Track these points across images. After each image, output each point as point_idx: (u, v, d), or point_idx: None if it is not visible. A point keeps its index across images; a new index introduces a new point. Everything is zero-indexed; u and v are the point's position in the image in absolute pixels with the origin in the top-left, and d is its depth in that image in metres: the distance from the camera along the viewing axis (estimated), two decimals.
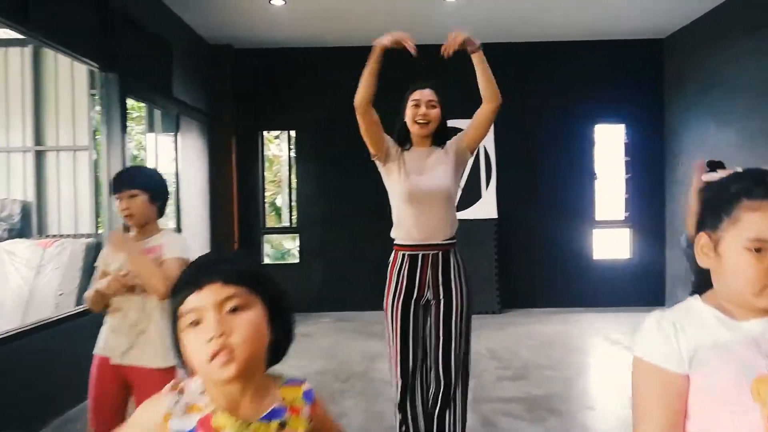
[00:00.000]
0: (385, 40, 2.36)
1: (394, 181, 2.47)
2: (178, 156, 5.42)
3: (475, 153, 2.62)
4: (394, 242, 2.50)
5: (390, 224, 2.53)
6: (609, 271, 6.53)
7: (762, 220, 0.95)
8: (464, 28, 2.48)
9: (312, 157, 6.64)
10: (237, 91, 6.54)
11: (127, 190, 2.22)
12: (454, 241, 2.48)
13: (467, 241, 5.94)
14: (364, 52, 6.47)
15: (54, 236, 6.44)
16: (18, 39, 6.54)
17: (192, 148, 5.82)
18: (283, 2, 5.21)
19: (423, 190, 2.40)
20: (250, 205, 6.61)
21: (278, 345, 1.01)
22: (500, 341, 4.97)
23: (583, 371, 4.34)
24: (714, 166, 2.61)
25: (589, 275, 6.49)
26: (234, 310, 0.91)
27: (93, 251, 5.89)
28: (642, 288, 6.48)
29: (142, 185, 2.22)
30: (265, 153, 7.71)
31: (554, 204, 6.51)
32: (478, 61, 2.41)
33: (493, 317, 6.07)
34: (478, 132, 2.52)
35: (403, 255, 2.44)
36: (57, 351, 3.41)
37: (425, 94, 2.53)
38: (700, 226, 1.05)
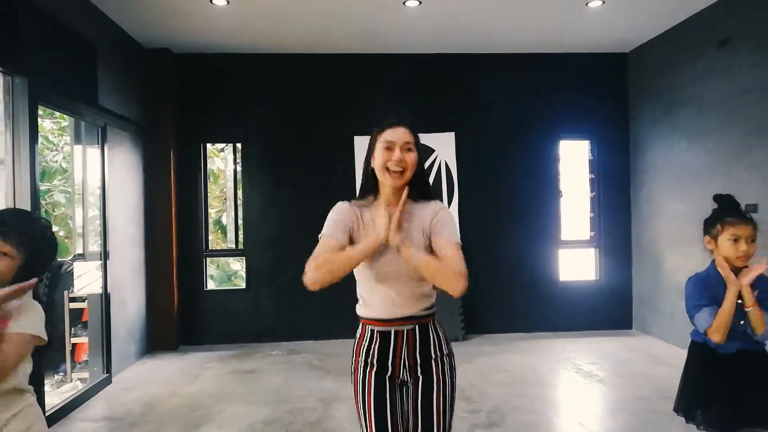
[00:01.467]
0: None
1: (366, 242, 1.86)
2: (105, 171, 4.77)
3: None
4: (360, 317, 2.00)
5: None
6: (575, 293, 6.24)
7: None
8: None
9: (260, 171, 6.09)
10: (177, 100, 5.94)
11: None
12: (432, 311, 1.99)
13: None
14: (318, 58, 5.95)
15: None
16: None
17: (122, 162, 5.19)
18: (226, 2, 4.70)
19: (394, 267, 1.86)
20: (191, 224, 6.00)
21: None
22: (467, 376, 4.54)
23: (561, 411, 3.96)
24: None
25: (555, 298, 6.19)
26: None
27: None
28: (609, 310, 6.24)
29: (14, 225, 1.69)
30: (209, 167, 7.09)
31: (518, 223, 6.20)
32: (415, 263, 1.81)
33: (458, 345, 5.64)
34: None
35: (373, 330, 1.94)
36: None
37: (400, 135, 1.89)
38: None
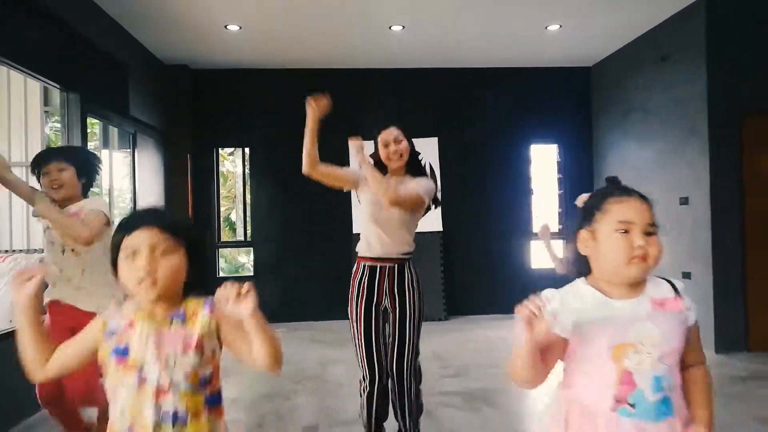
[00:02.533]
0: (312, 111, 2.74)
1: (365, 202, 2.78)
2: (135, 171, 5.58)
3: (426, 208, 2.86)
4: (358, 254, 2.82)
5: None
6: (544, 279, 6.95)
7: (624, 208, 1.35)
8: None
9: (266, 173, 6.90)
10: (193, 110, 6.76)
11: (60, 161, 2.51)
12: (409, 256, 2.82)
13: (416, 252, 6.35)
14: (317, 73, 7.00)
15: (6, 251, 6.45)
16: None
17: (148, 165, 6.00)
18: (238, 27, 5.52)
19: (385, 214, 2.72)
20: (205, 219, 6.80)
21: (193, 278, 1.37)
22: (444, 345, 5.34)
23: None
24: (611, 182, 2.98)
25: (527, 283, 6.96)
26: (164, 254, 1.28)
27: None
28: None
29: (68, 157, 2.53)
30: (220, 169, 7.90)
31: (495, 218, 6.99)
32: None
33: (440, 324, 6.46)
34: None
35: (365, 265, 2.77)
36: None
37: (391, 133, 2.78)
38: (579, 226, 1.44)
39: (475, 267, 6.92)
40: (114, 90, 5.26)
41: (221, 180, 8.21)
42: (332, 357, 5.02)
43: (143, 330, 1.29)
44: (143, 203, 5.78)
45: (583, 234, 1.42)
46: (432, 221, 6.85)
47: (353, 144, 2.80)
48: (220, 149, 7.28)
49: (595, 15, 5.41)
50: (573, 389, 1.39)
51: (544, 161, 7.25)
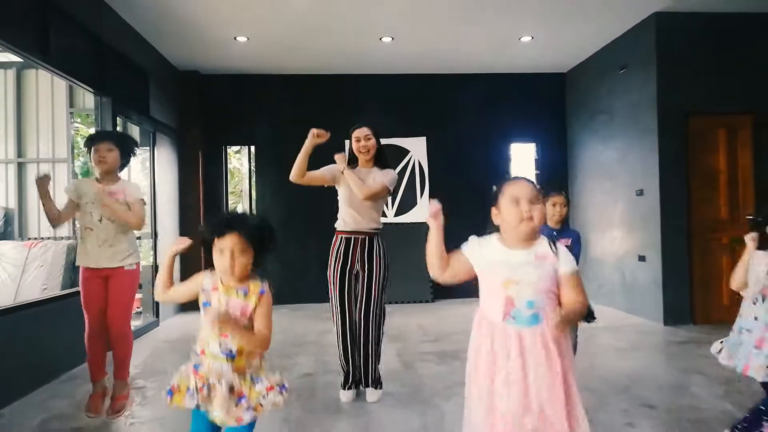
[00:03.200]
0: (312, 139, 3.47)
1: (342, 191, 3.52)
2: (154, 167, 6.29)
3: (389, 194, 3.60)
4: (336, 229, 3.54)
5: (335, 229, 3.58)
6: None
7: (514, 187, 2.00)
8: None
9: (269, 168, 7.62)
10: (203, 111, 7.47)
11: (110, 142, 3.20)
12: (378, 230, 3.53)
13: (405, 240, 7.10)
14: (316, 78, 7.91)
15: (35, 239, 7.16)
16: (2, 62, 7.34)
17: (165, 161, 6.70)
18: (246, 39, 6.23)
19: (354, 200, 3.44)
20: (215, 211, 7.50)
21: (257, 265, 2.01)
22: (428, 320, 6.04)
23: None
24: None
25: None
26: (240, 252, 1.91)
27: (73, 251, 6.66)
28: None
29: (115, 141, 3.21)
30: (228, 167, 8.61)
31: (477, 210, 7.65)
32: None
33: (426, 305, 7.16)
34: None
35: (341, 237, 3.49)
36: (51, 324, 4.25)
37: (362, 131, 3.54)
38: (490, 206, 2.12)
39: None
40: (137, 94, 5.97)
41: (229, 176, 8.92)
42: (328, 329, 5.70)
43: (220, 294, 1.95)
44: (161, 194, 6.48)
45: (493, 210, 2.10)
46: (421, 212, 7.56)
47: (338, 158, 3.53)
48: (228, 147, 7.98)
49: (561, 29, 6.12)
50: (482, 307, 2.09)
51: (523, 159, 7.95)
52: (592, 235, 7.17)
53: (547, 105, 7.87)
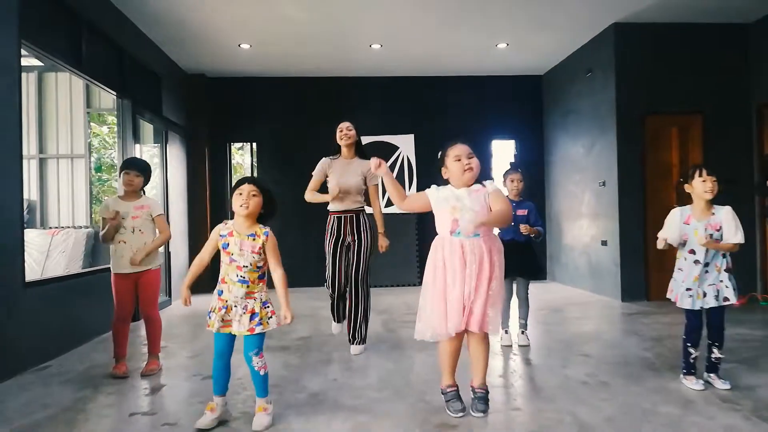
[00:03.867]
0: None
1: (333, 180, 4.21)
2: (166, 163, 6.97)
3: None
4: (330, 211, 4.23)
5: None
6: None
7: (455, 149, 2.84)
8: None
9: (270, 163, 8.31)
10: (209, 111, 8.16)
11: (136, 171, 3.84)
12: (362, 208, 4.23)
13: (394, 229, 7.81)
14: (313, 80, 8.80)
15: (56, 227, 7.85)
16: (26, 66, 8.02)
17: (175, 156, 7.39)
18: (250, 46, 6.91)
19: (343, 186, 4.13)
20: (219, 202, 8.19)
21: (265, 212, 2.76)
22: (413, 299, 6.70)
23: None
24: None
25: None
26: (253, 195, 2.66)
27: (92, 239, 7.35)
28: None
29: (141, 169, 3.87)
30: (232, 162, 9.29)
31: None
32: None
33: (413, 287, 7.86)
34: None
35: (333, 216, 4.18)
36: (83, 295, 4.94)
37: (345, 124, 4.28)
38: (439, 167, 2.90)
39: None
40: (151, 96, 6.65)
41: (232, 171, 9.60)
42: (320, 305, 6.41)
43: (235, 238, 2.68)
44: (173, 187, 7.16)
45: (443, 170, 2.89)
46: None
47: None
48: (232, 143, 8.67)
49: (533, 37, 6.81)
50: (438, 228, 2.84)
51: (503, 154, 8.64)
52: (564, 223, 7.87)
53: (526, 105, 8.56)
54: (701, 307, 3.22)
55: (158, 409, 3.07)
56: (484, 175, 2.95)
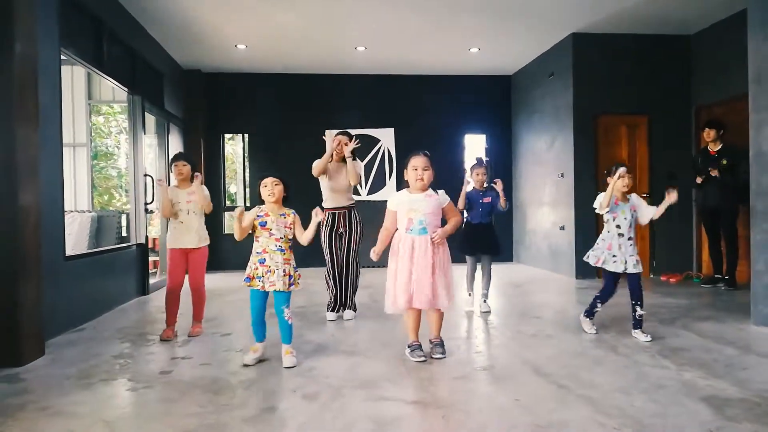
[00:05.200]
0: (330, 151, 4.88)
1: (327, 180, 4.94)
2: (168, 152, 7.60)
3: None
4: (324, 207, 4.96)
5: (315, 205, 4.99)
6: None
7: (414, 160, 3.57)
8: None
9: (261, 153, 8.98)
10: (204, 104, 8.78)
11: (183, 161, 4.54)
12: (353, 205, 4.99)
13: (375, 216, 8.58)
14: (302, 77, 9.64)
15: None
16: None
17: (175, 148, 8.01)
18: (245, 46, 7.56)
19: (335, 186, 4.88)
20: (215, 188, 8.82)
21: (286, 196, 3.55)
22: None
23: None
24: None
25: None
26: (275, 185, 3.44)
27: (96, 222, 7.94)
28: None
29: (187, 159, 4.57)
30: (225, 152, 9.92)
31: (436, 187, 9.16)
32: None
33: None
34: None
35: (329, 213, 4.93)
36: (107, 269, 5.61)
37: (344, 138, 4.98)
38: (404, 169, 3.64)
39: None
40: (155, 90, 7.27)
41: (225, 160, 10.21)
42: (316, 282, 7.16)
43: (270, 217, 3.44)
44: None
45: (405, 172, 3.61)
46: (389, 192, 9.01)
47: (347, 150, 4.86)
48: (225, 135, 9.31)
49: (501, 43, 7.61)
50: (398, 227, 3.58)
51: (474, 148, 9.45)
52: (528, 210, 8.75)
53: (496, 102, 9.38)
54: (623, 271, 4.08)
55: (193, 354, 3.80)
56: (459, 168, 3.70)
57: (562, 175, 7.54)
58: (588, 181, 7.25)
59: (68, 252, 4.75)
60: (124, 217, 7.81)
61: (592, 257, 4.24)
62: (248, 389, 3.04)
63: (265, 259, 3.46)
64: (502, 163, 9.35)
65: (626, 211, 4.10)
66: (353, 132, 5.22)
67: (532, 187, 8.62)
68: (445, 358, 3.58)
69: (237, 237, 3.49)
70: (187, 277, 4.48)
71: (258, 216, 3.49)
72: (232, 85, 8.91)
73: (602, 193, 4.13)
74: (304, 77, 8.95)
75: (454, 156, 9.26)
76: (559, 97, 7.60)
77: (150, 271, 7.09)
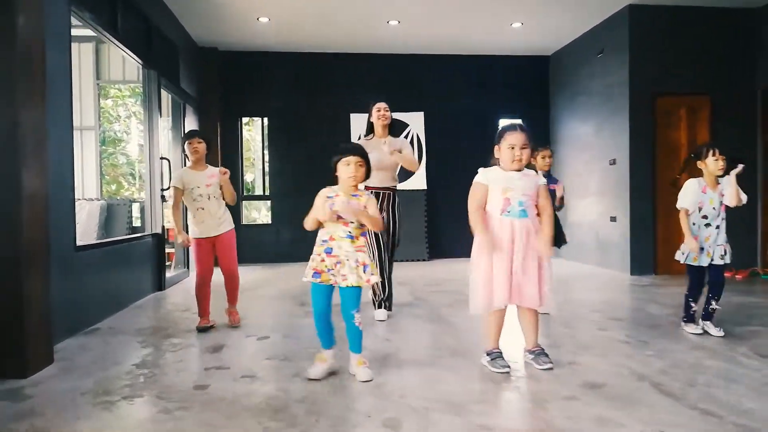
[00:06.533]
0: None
1: (373, 157, 4.29)
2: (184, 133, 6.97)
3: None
4: (366, 185, 4.35)
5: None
6: None
7: (511, 136, 2.94)
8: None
9: (281, 138, 8.35)
10: (222, 84, 8.15)
11: (199, 137, 3.96)
12: (395, 188, 4.40)
13: (404, 206, 7.91)
14: (327, 57, 8.90)
15: None
16: None
17: (189, 128, 7.38)
18: (268, 19, 6.92)
19: (376, 164, 4.22)
20: (231, 177, 8.20)
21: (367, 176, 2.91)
22: (427, 272, 6.93)
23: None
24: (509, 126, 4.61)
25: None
26: (359, 165, 2.81)
27: (105, 211, 7.34)
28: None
29: (202, 136, 3.98)
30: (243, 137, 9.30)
31: (469, 179, 8.50)
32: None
33: (423, 262, 8.05)
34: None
35: (372, 191, 4.30)
36: (119, 264, 5.01)
37: (382, 105, 4.41)
38: (495, 145, 3.00)
39: (451, 219, 8.47)
40: (172, 67, 6.64)
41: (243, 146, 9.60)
42: None
43: (341, 198, 2.81)
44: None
45: (495, 149, 2.99)
46: (418, 181, 8.40)
47: (390, 145, 4.26)
48: (243, 118, 8.68)
49: (548, 16, 6.96)
50: (488, 207, 2.96)
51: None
52: (571, 201, 8.10)
53: (533, 84, 8.73)
54: (709, 264, 3.65)
55: (229, 364, 3.19)
56: (491, 155, 3.07)
57: (614, 162, 6.91)
58: (644, 167, 6.62)
59: (78, 242, 4.18)
60: (135, 206, 7.20)
61: (680, 256, 3.84)
62: (310, 413, 2.43)
63: (332, 249, 2.84)
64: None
65: (714, 200, 3.68)
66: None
67: (575, 175, 7.98)
68: (552, 368, 2.98)
69: (309, 227, 2.90)
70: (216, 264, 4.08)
71: (328, 197, 2.87)
72: (251, 64, 8.28)
73: (689, 185, 3.72)
74: (329, 57, 8.30)
75: (487, 141, 8.57)
76: (613, 76, 6.95)
77: (165, 264, 6.50)
